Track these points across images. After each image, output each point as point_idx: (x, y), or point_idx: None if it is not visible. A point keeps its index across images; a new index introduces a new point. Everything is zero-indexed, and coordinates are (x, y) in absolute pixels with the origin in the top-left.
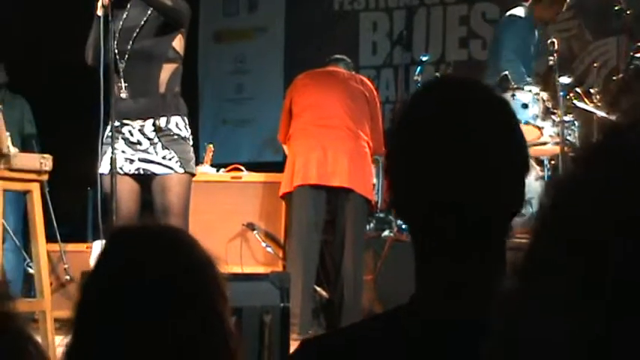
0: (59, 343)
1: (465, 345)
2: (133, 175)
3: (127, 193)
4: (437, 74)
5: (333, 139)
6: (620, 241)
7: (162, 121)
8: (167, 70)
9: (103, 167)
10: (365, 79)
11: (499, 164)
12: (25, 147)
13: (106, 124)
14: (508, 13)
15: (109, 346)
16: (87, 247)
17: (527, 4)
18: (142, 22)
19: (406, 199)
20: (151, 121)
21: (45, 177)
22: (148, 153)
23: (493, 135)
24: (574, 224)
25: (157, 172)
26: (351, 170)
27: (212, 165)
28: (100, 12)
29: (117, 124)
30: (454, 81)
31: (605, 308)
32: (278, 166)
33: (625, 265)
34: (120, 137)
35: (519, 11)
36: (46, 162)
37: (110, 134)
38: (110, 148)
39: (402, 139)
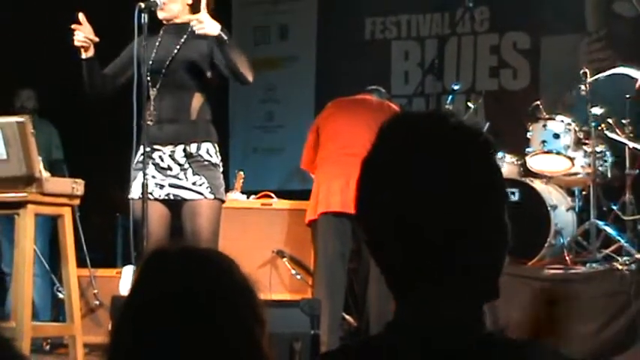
0: None
1: None
2: (163, 201)
3: (156, 218)
4: (468, 103)
5: (356, 167)
6: None
7: (193, 147)
8: (198, 99)
9: (134, 192)
10: (394, 107)
11: (469, 206)
12: (53, 172)
13: (137, 150)
14: None
15: None
16: (117, 273)
17: None
18: (175, 52)
19: (376, 216)
20: (181, 146)
21: (76, 202)
22: (179, 179)
23: (462, 161)
24: None
25: (187, 197)
26: None
27: (242, 192)
28: (83, 55)
29: (147, 149)
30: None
31: None
32: (307, 194)
33: None
34: (150, 162)
35: None
36: (77, 187)
37: (141, 159)
38: (140, 173)
39: (370, 166)
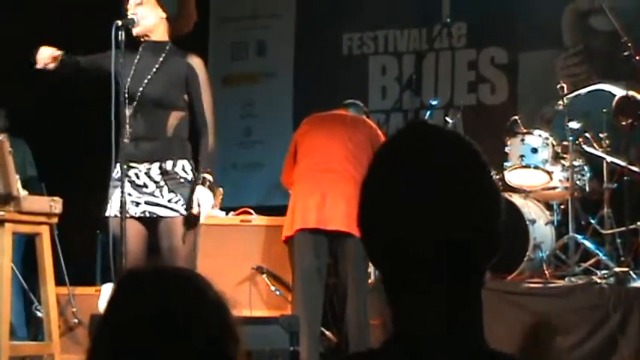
0: None
1: None
2: (139, 218)
3: (134, 235)
4: (446, 118)
5: (333, 184)
6: None
7: (168, 165)
8: (175, 117)
9: (111, 210)
10: (370, 123)
11: (467, 206)
12: (29, 190)
13: (114, 167)
14: None
15: None
16: (96, 290)
17: None
18: (154, 69)
19: (368, 237)
20: (157, 164)
21: (54, 220)
22: (154, 196)
23: (453, 173)
24: None
25: (162, 214)
26: (350, 214)
27: (221, 208)
28: (54, 66)
29: (124, 166)
30: (423, 133)
31: None
32: (286, 210)
33: None
34: (126, 180)
35: None
36: (55, 205)
37: (117, 177)
38: (117, 190)
39: (368, 193)
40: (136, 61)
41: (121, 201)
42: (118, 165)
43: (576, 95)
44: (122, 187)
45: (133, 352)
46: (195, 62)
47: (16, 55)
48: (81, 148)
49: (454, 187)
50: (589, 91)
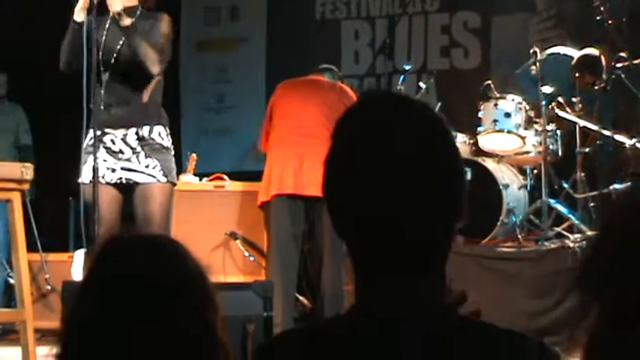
0: (45, 354)
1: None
2: (114, 185)
3: (108, 202)
4: (420, 83)
5: (310, 148)
6: None
7: (145, 130)
8: (150, 82)
9: (84, 176)
10: (346, 88)
11: (425, 178)
12: (22, 158)
13: (87, 133)
14: None
15: (101, 353)
16: (69, 257)
17: None
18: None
19: (338, 215)
20: (133, 130)
21: (26, 186)
22: (131, 162)
23: (419, 150)
24: None
25: (139, 180)
26: None
27: (195, 174)
28: (78, 17)
29: (98, 133)
30: (387, 99)
31: None
32: (260, 175)
33: None
34: (101, 146)
35: None
36: (27, 171)
37: (91, 143)
38: (91, 157)
39: (333, 157)
40: (107, 26)
41: (94, 167)
42: (91, 131)
43: (541, 59)
44: (94, 153)
45: (116, 317)
46: (162, 16)
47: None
48: (54, 114)
49: (417, 160)
50: (555, 55)
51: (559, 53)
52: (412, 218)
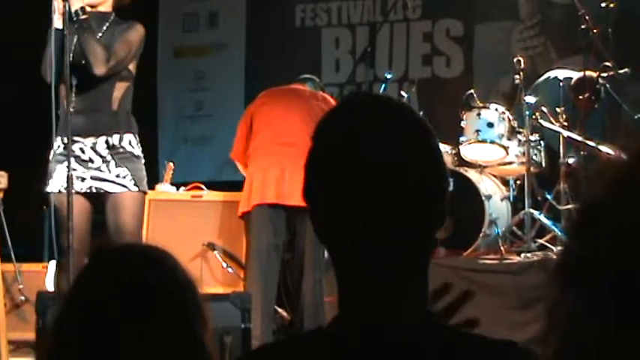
0: None
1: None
2: (84, 194)
3: (78, 212)
4: (401, 92)
5: (291, 158)
6: None
7: (115, 139)
8: (120, 89)
9: (52, 185)
10: (327, 97)
11: (406, 181)
12: None
13: (54, 141)
14: None
15: None
16: (43, 267)
17: None
18: (98, 38)
19: (318, 218)
20: (103, 138)
21: None
22: (101, 171)
23: (400, 152)
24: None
25: (110, 190)
26: None
27: (172, 183)
28: (57, 24)
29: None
30: (369, 101)
31: None
32: (239, 185)
33: None
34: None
35: None
36: (0, 179)
37: (60, 151)
38: (59, 165)
39: (313, 159)
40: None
41: (68, 176)
42: (59, 139)
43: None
44: (68, 161)
45: (100, 329)
46: (135, 25)
47: None
48: (30, 121)
49: (397, 162)
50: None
51: (556, 77)
52: (391, 221)
